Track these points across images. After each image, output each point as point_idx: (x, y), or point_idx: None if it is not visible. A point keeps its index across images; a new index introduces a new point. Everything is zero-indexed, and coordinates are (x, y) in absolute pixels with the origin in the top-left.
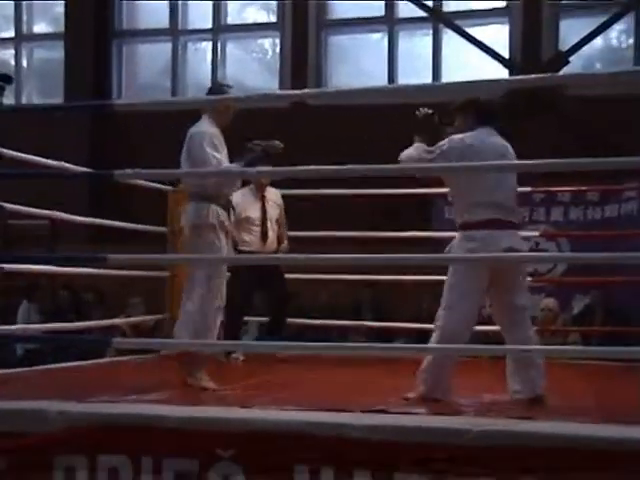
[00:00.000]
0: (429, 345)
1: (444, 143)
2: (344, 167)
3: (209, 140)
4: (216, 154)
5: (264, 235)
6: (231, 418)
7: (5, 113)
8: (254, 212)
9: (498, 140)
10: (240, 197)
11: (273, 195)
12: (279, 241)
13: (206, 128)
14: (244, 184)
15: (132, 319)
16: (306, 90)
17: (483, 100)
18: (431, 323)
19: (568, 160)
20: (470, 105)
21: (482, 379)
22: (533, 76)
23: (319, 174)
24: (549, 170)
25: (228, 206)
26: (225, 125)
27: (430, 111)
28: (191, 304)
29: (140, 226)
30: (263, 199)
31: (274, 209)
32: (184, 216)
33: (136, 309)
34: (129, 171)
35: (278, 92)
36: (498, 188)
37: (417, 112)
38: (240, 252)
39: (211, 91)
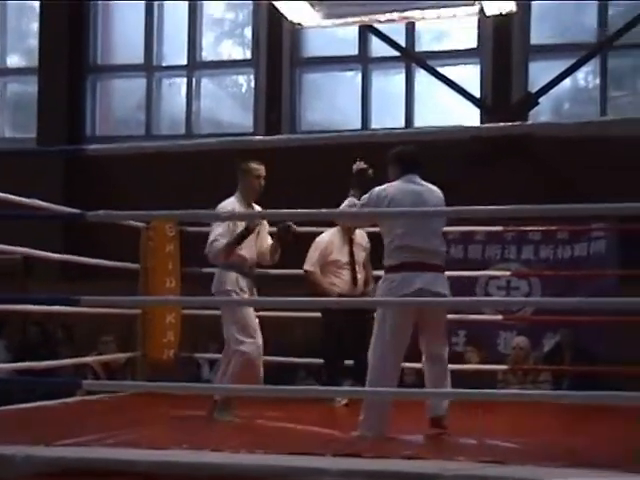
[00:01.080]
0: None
1: (367, 195)
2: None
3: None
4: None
5: (354, 279)
6: (200, 462)
7: None
8: (342, 256)
9: (417, 187)
10: (327, 238)
11: (359, 237)
12: (366, 283)
13: (226, 205)
14: (332, 224)
15: (103, 357)
16: (278, 137)
17: (407, 150)
18: None
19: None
20: (395, 157)
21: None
22: (501, 124)
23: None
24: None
25: (252, 273)
26: (254, 199)
27: (365, 165)
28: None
29: (113, 263)
30: (351, 242)
31: (360, 251)
32: (213, 282)
33: (108, 347)
34: (101, 213)
35: (254, 138)
36: (415, 232)
37: (353, 166)
38: (328, 295)
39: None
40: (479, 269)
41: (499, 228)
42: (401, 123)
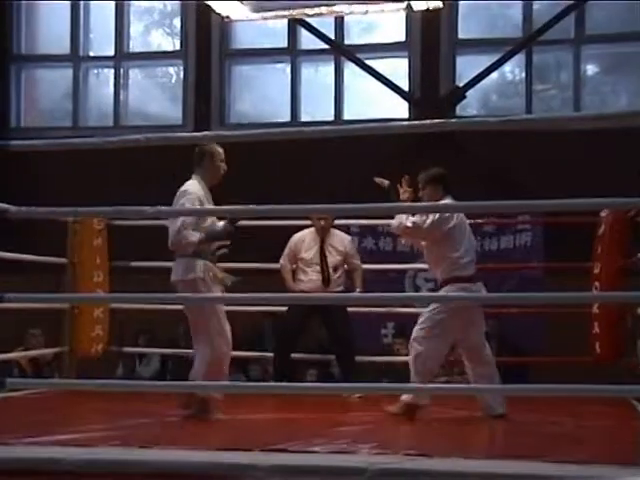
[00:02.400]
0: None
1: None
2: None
3: (190, 200)
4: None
5: (324, 279)
6: (128, 460)
7: None
8: (311, 255)
9: None
10: (299, 236)
11: (337, 241)
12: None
13: (190, 188)
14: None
15: (30, 352)
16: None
17: (444, 172)
18: None
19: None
20: (437, 178)
21: None
22: (428, 121)
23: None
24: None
25: (215, 260)
26: (215, 182)
27: (385, 182)
28: (204, 350)
29: (39, 257)
30: (322, 242)
31: (334, 254)
32: (174, 271)
33: (35, 340)
34: (23, 209)
35: (180, 134)
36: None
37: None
38: (290, 290)
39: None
40: (408, 262)
41: None
42: (330, 115)
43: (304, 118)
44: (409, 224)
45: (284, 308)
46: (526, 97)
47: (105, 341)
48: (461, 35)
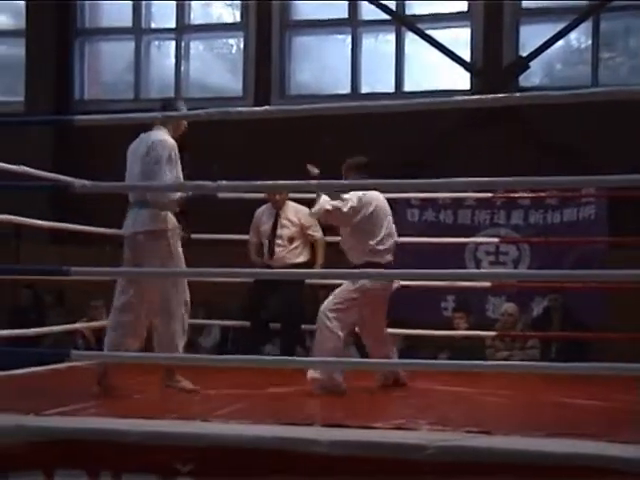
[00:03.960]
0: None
1: (348, 196)
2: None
3: (169, 153)
4: (168, 170)
5: (271, 251)
6: (189, 433)
7: None
8: (267, 228)
9: (377, 194)
10: (259, 211)
11: (291, 213)
12: (314, 259)
13: (167, 138)
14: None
15: (92, 324)
16: (267, 107)
17: (365, 161)
18: None
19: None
20: (357, 166)
21: None
22: (491, 96)
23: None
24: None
25: (178, 216)
26: (177, 137)
27: (315, 170)
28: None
29: (100, 229)
30: (277, 216)
31: (289, 226)
32: (135, 222)
33: (97, 312)
34: (88, 184)
35: (240, 109)
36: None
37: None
38: (253, 264)
39: (164, 106)
40: (468, 234)
41: (488, 195)
42: (391, 86)
43: (364, 89)
44: (329, 207)
45: None
46: (592, 65)
47: None
48: (525, 4)
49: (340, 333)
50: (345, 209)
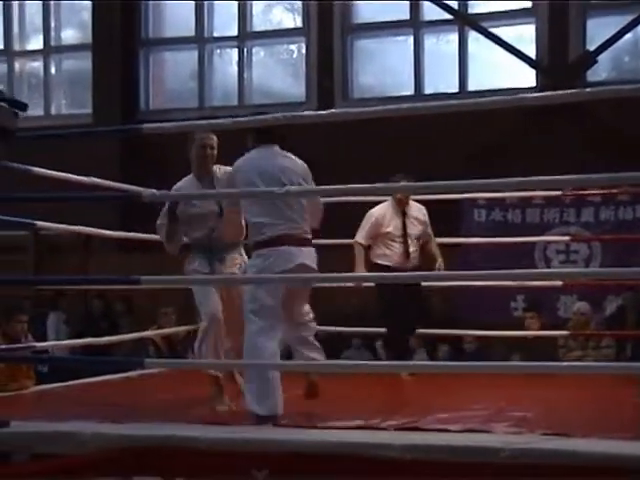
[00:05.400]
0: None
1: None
2: None
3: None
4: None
5: (406, 252)
6: (264, 439)
7: (27, 140)
8: (394, 229)
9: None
10: (379, 211)
11: (415, 211)
12: (431, 258)
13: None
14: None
15: (163, 331)
16: (326, 111)
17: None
18: None
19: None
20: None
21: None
22: (559, 92)
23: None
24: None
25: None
26: (204, 170)
27: None
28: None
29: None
30: (404, 215)
31: (415, 225)
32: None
33: (167, 319)
34: (157, 193)
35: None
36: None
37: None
38: (377, 265)
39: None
40: (538, 233)
41: (558, 193)
42: (455, 86)
43: (427, 90)
44: None
45: None
46: None
47: None
48: None
49: None
50: None
